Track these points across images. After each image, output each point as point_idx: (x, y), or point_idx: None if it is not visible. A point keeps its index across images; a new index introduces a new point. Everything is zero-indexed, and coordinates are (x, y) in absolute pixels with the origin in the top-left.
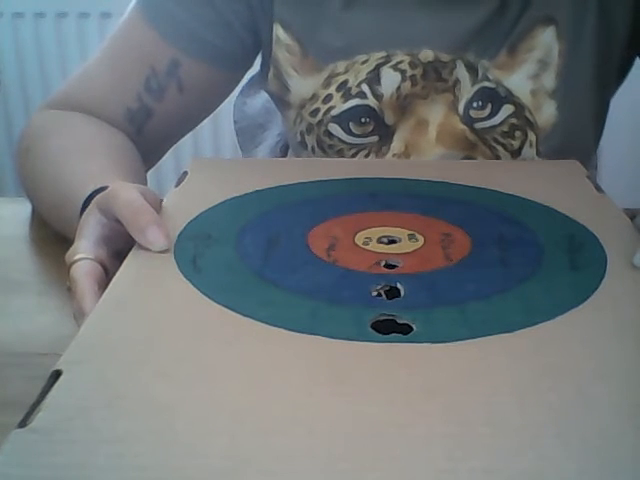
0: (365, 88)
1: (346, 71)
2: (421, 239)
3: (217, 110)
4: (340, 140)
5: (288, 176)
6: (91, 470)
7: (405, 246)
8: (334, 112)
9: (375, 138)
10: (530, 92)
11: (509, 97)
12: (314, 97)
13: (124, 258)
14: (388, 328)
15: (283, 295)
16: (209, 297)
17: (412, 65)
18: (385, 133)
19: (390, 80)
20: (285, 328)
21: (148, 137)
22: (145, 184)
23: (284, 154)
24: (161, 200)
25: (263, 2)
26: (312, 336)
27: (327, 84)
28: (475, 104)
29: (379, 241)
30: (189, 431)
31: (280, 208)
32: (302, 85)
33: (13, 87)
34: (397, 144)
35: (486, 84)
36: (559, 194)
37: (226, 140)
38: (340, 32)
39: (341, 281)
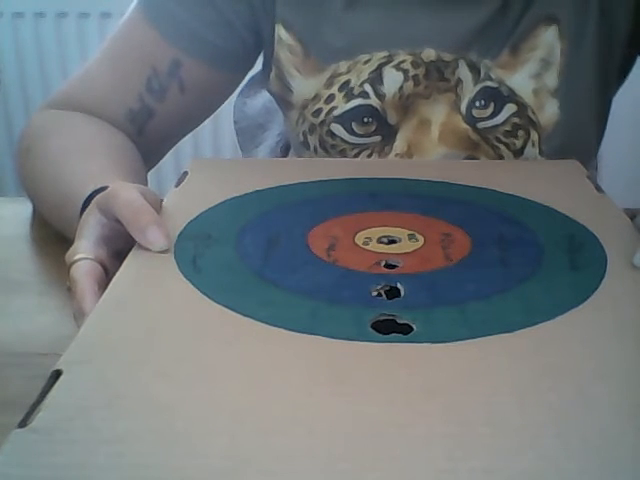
0: (368, 88)
1: (348, 71)
2: (421, 239)
3: (217, 110)
4: (343, 140)
5: (288, 176)
6: (91, 470)
7: (405, 246)
8: (336, 112)
9: (378, 138)
10: (532, 91)
11: (511, 96)
12: (316, 97)
13: (124, 258)
14: (388, 328)
15: (283, 295)
16: (209, 297)
17: (414, 65)
18: (388, 133)
19: (392, 80)
20: (285, 328)
21: (149, 137)
22: (145, 184)
23: (284, 154)
24: (161, 200)
25: (265, 2)
26: (312, 336)
27: (329, 84)
28: (477, 103)
29: (379, 241)
30: (189, 431)
31: (280, 208)
32: (304, 85)
33: (13, 87)
34: (400, 144)
35: (488, 83)
36: (559, 194)
37: (226, 140)
38: (342, 32)
39: (341, 281)
